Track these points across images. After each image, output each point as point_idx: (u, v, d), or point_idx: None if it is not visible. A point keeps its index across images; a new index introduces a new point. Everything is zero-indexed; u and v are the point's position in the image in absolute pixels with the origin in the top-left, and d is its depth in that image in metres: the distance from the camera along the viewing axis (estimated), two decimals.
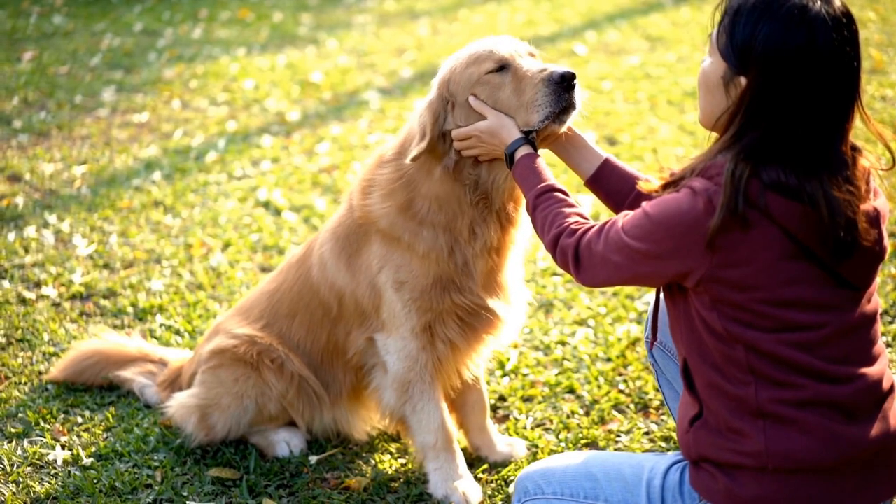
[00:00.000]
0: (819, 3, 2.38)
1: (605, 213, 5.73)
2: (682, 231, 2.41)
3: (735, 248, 2.39)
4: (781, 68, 2.37)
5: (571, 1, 12.09)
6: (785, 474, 2.44)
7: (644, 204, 2.54)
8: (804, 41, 2.36)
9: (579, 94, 3.01)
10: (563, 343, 4.41)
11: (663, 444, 3.64)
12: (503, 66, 3.07)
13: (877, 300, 2.54)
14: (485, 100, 3.08)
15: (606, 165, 3.05)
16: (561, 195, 2.83)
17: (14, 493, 3.44)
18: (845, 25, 2.39)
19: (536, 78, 3.00)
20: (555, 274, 5.05)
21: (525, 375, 4.17)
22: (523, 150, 2.98)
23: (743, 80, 2.43)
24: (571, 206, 2.80)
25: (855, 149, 2.49)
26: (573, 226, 2.70)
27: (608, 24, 10.82)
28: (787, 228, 2.37)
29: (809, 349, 2.42)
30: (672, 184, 2.53)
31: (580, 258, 2.63)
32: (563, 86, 2.97)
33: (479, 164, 3.15)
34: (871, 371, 2.48)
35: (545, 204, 2.82)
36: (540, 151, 3.13)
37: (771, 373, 2.43)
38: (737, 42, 2.43)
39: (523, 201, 3.20)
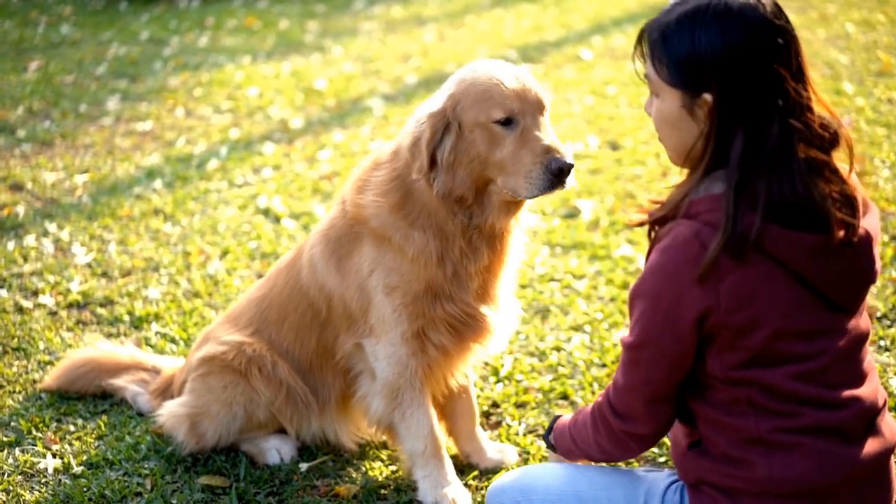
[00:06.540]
0: None
1: (603, 221, 5.71)
2: (681, 279, 2.34)
3: (738, 287, 2.33)
4: (737, 66, 2.33)
5: (578, 6, 12.07)
6: (787, 498, 2.41)
7: (632, 303, 2.47)
8: (744, 33, 2.33)
9: (571, 179, 3.01)
10: (558, 349, 4.38)
11: (655, 450, 3.60)
12: (510, 121, 3.05)
13: (866, 317, 2.51)
14: (481, 144, 3.05)
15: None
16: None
17: (4, 502, 3.43)
18: (773, 13, 2.37)
19: (538, 157, 2.99)
20: (551, 279, 5.02)
21: (519, 381, 4.14)
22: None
23: (708, 97, 2.37)
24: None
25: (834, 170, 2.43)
26: (590, 406, 2.69)
27: (615, 29, 10.79)
28: (782, 259, 2.33)
29: (808, 379, 2.39)
30: (659, 222, 2.47)
31: (616, 410, 2.55)
32: (558, 177, 2.98)
33: (467, 201, 3.13)
34: (864, 392, 2.46)
35: (575, 431, 2.77)
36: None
37: (771, 405, 2.39)
38: (680, 63, 2.37)
39: (513, 230, 3.25)
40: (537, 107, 3.09)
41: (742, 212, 2.30)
